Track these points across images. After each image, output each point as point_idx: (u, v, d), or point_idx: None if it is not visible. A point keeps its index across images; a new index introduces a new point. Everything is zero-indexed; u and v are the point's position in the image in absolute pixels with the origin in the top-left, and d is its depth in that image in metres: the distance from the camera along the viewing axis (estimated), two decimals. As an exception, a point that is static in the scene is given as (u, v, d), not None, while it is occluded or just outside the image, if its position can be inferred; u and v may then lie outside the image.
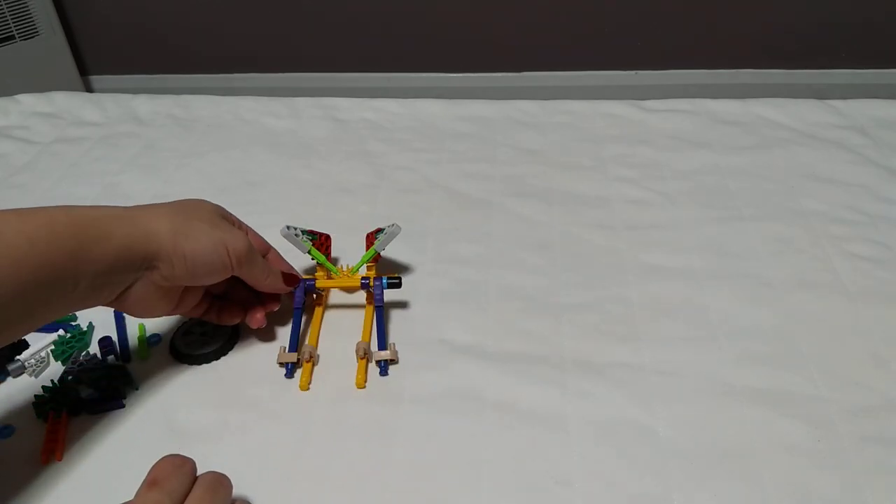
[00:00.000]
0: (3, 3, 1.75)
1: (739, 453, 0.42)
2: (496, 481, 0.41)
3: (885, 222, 0.60)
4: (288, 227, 0.51)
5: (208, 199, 0.47)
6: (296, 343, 0.49)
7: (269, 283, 0.48)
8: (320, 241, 0.54)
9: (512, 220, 0.63)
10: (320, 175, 0.71)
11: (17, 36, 1.81)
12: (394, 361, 0.49)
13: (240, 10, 1.94)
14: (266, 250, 0.51)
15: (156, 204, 0.44)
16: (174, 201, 0.45)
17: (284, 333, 0.50)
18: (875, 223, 0.60)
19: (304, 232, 0.52)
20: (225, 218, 0.47)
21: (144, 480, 0.34)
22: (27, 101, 0.86)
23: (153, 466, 0.35)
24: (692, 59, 1.92)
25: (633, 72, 1.96)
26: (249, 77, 2.09)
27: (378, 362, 0.48)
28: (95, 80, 2.16)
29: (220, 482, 0.36)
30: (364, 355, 0.48)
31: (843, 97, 0.79)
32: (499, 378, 0.47)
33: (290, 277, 0.50)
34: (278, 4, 1.91)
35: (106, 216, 0.40)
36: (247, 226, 0.50)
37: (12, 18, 1.79)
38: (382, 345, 0.49)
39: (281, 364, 0.48)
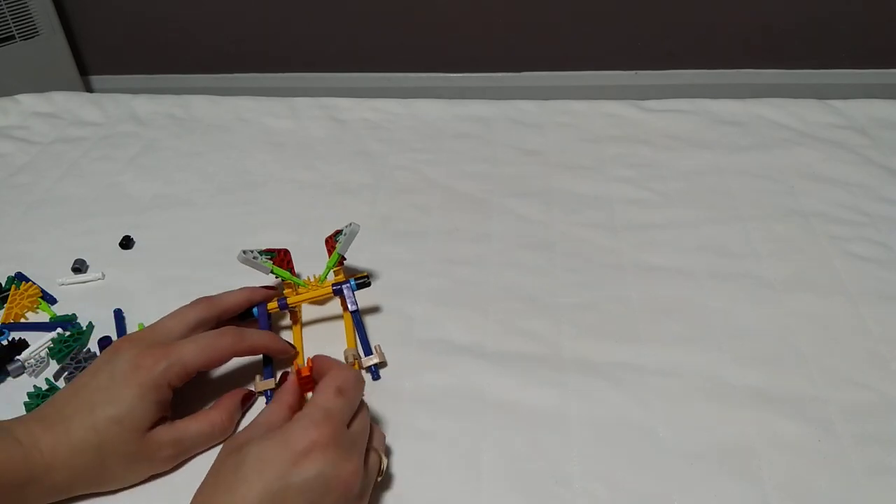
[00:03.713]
0: (3, 3, 1.75)
1: (739, 453, 0.42)
2: (496, 481, 0.41)
3: (885, 222, 0.60)
4: (244, 252, 0.49)
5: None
6: (270, 369, 0.47)
7: (227, 427, 0.43)
8: (280, 258, 0.52)
9: (512, 220, 0.63)
10: (320, 175, 0.71)
11: (17, 36, 1.81)
12: (383, 364, 0.48)
13: (240, 10, 1.94)
14: (224, 361, 0.44)
15: (62, 422, 0.38)
16: (88, 424, 0.38)
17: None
18: (875, 223, 0.60)
19: (261, 253, 0.50)
20: (154, 417, 0.39)
21: (329, 384, 0.37)
22: (27, 101, 0.86)
23: (337, 375, 0.38)
24: (692, 59, 1.92)
25: (633, 72, 1.96)
26: (249, 77, 2.09)
27: (368, 368, 0.48)
28: (95, 80, 2.16)
29: (369, 417, 0.40)
30: (354, 361, 0.47)
31: (843, 97, 0.79)
32: (499, 378, 0.47)
33: (251, 401, 0.46)
34: (278, 4, 1.91)
35: (20, 484, 0.36)
36: (199, 348, 0.41)
37: (12, 18, 1.79)
38: (367, 350, 0.48)
39: (260, 392, 0.46)
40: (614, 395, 0.46)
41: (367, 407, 0.41)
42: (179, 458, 0.41)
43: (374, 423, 0.42)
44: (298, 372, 0.42)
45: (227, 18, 1.96)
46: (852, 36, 1.82)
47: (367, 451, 0.38)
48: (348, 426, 0.37)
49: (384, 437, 0.42)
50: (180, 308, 0.45)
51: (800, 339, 0.50)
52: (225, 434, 0.43)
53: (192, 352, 0.41)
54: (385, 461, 0.40)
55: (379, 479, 0.39)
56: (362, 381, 0.40)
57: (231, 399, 0.44)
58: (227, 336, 0.43)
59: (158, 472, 0.41)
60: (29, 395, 0.46)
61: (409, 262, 0.58)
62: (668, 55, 1.91)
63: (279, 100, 0.84)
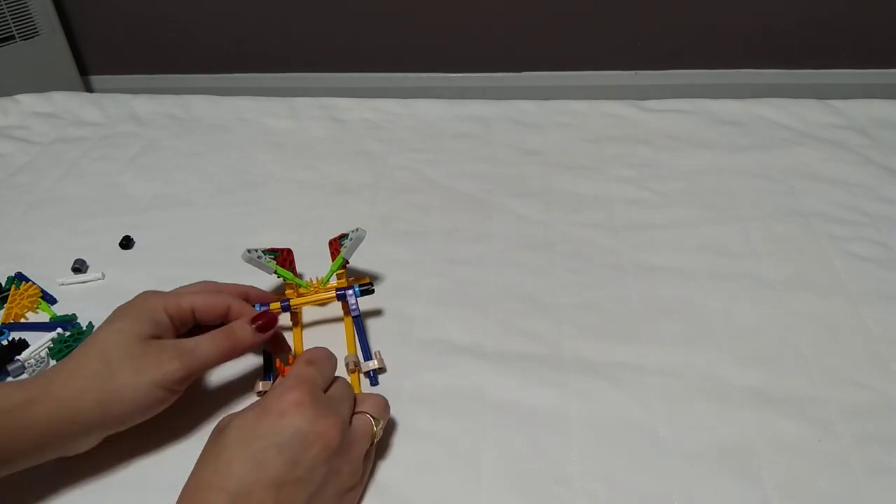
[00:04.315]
0: (3, 3, 1.75)
1: (739, 453, 0.42)
2: (496, 481, 0.41)
3: (885, 222, 0.60)
4: (249, 251, 0.49)
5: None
6: (271, 371, 0.47)
7: (240, 345, 0.42)
8: (283, 258, 0.51)
9: (512, 220, 0.63)
10: (320, 175, 0.71)
11: (17, 36, 1.81)
12: (381, 370, 0.48)
13: (240, 10, 1.94)
14: (223, 312, 0.44)
15: (75, 361, 0.39)
16: (94, 346, 0.39)
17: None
18: (875, 223, 0.60)
19: (265, 252, 0.50)
20: (151, 333, 0.41)
21: (300, 359, 0.40)
22: (27, 101, 0.86)
23: (307, 352, 0.41)
24: (692, 59, 1.92)
25: (633, 72, 1.96)
26: (249, 77, 2.09)
27: (367, 373, 0.48)
28: (95, 80, 2.16)
29: (348, 384, 0.41)
30: (354, 368, 0.47)
31: (843, 97, 0.79)
32: (499, 378, 0.47)
33: (262, 318, 0.44)
34: (278, 4, 1.91)
35: (23, 403, 0.36)
36: (193, 294, 0.44)
37: (12, 18, 1.79)
38: (367, 355, 0.48)
39: (260, 392, 0.46)
40: (614, 395, 0.46)
41: (348, 384, 0.42)
42: (186, 369, 0.40)
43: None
44: (282, 369, 0.43)
45: (227, 18, 1.96)
46: (852, 36, 1.82)
47: (356, 414, 0.40)
48: (325, 392, 0.39)
49: (382, 406, 0.41)
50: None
51: (800, 339, 0.50)
52: (228, 352, 0.42)
53: (190, 292, 0.44)
54: (379, 425, 0.40)
55: (374, 441, 0.40)
56: (334, 357, 0.41)
57: (237, 321, 0.44)
58: (224, 292, 0.45)
59: (166, 384, 0.39)
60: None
61: (409, 262, 0.58)
62: (668, 55, 1.91)
63: (279, 100, 0.84)
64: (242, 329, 0.43)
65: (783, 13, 1.79)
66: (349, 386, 0.41)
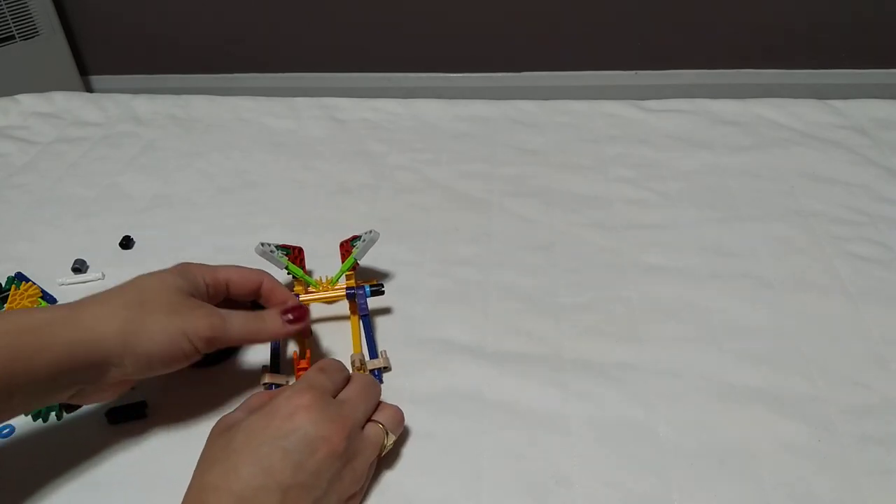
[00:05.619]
0: (3, 3, 1.76)
1: (739, 453, 0.42)
2: (496, 481, 0.41)
3: (885, 222, 0.60)
4: (262, 245, 0.50)
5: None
6: (277, 365, 0.48)
7: (268, 332, 0.43)
8: (294, 255, 0.52)
9: (512, 220, 0.63)
10: (320, 175, 0.71)
11: (17, 36, 1.82)
12: (387, 369, 0.48)
13: (240, 10, 1.94)
14: (256, 286, 0.46)
15: (110, 293, 0.40)
16: (132, 284, 0.41)
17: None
18: (875, 223, 0.60)
19: (277, 247, 0.51)
20: (190, 292, 0.42)
21: (313, 367, 0.41)
22: (27, 101, 0.86)
23: (320, 361, 0.41)
24: (692, 59, 1.92)
25: (633, 72, 1.96)
26: (249, 77, 2.09)
27: (371, 371, 0.48)
28: (95, 80, 2.16)
29: (372, 384, 0.42)
30: (360, 366, 0.48)
31: (843, 97, 0.79)
32: (499, 378, 0.47)
33: (295, 311, 0.44)
34: (278, 4, 1.91)
35: (46, 322, 0.36)
36: (228, 268, 0.45)
37: (12, 18, 1.79)
38: (373, 353, 0.49)
39: (266, 384, 0.46)
40: (614, 395, 0.46)
41: (366, 382, 0.42)
42: (214, 331, 0.40)
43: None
44: (297, 361, 0.43)
45: (227, 18, 1.96)
46: (852, 36, 1.82)
47: (371, 422, 0.40)
48: (342, 391, 0.40)
49: (399, 420, 0.42)
50: None
51: (800, 339, 0.50)
52: (254, 335, 0.43)
53: (225, 267, 0.45)
54: (390, 439, 0.40)
55: (382, 453, 0.40)
56: (346, 369, 0.42)
57: (270, 310, 0.45)
58: (256, 270, 0.46)
59: (192, 337, 0.39)
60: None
61: (410, 262, 0.58)
62: (668, 55, 1.91)
63: (279, 100, 0.84)
64: (273, 318, 0.43)
65: (783, 13, 1.79)
66: (372, 385, 0.41)
